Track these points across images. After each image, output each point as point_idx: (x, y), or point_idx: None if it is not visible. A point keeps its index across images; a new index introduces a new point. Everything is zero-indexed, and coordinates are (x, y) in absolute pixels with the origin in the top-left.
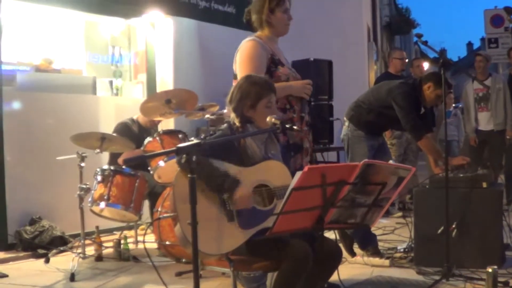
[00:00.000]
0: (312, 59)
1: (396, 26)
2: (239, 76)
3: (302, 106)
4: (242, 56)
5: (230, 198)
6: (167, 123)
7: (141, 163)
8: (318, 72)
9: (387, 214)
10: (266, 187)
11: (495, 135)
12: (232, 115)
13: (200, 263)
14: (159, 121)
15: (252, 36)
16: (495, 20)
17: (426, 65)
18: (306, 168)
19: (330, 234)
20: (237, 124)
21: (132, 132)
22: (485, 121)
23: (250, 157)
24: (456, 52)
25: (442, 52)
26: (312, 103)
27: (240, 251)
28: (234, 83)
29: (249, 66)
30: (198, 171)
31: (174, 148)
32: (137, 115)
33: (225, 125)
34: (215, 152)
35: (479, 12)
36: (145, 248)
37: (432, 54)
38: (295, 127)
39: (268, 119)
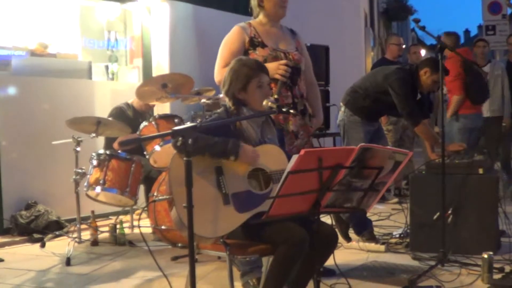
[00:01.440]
0: (308, 44)
1: (393, 13)
2: (217, 61)
3: (278, 87)
4: (222, 42)
5: (227, 178)
6: (163, 108)
7: (136, 148)
8: (315, 57)
9: (383, 200)
10: (262, 171)
11: (491, 121)
12: (226, 99)
13: (196, 247)
14: (153, 105)
15: (242, 22)
16: (493, 7)
17: (423, 52)
18: (302, 152)
19: (326, 219)
20: (231, 107)
21: (127, 117)
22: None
23: (246, 140)
24: None
25: (440, 37)
26: None
27: (236, 235)
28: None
29: (223, 51)
30: (198, 145)
31: (170, 131)
32: (132, 99)
33: (222, 108)
34: (211, 135)
35: None
36: (141, 233)
37: (429, 41)
38: (291, 111)
39: (264, 102)
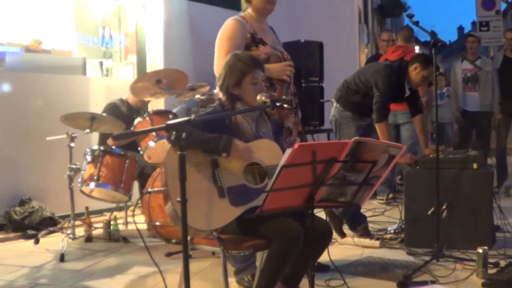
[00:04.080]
0: (302, 40)
1: (387, 9)
2: (215, 55)
3: (284, 88)
4: (221, 35)
5: (222, 172)
6: (157, 104)
7: (131, 144)
8: (309, 53)
9: (374, 196)
10: (257, 165)
11: (482, 116)
12: (221, 93)
13: (190, 242)
14: (148, 101)
15: (236, 15)
16: (486, 3)
17: (417, 48)
18: (296, 145)
19: (321, 214)
20: (226, 102)
21: (121, 113)
22: (472, 102)
23: (241, 135)
24: (447, 36)
25: (433, 33)
26: (303, 85)
27: (231, 230)
28: (216, 62)
29: (226, 45)
30: (191, 139)
31: (163, 125)
32: (126, 95)
33: (216, 102)
34: (206, 129)
35: None
36: (137, 228)
37: (423, 38)
38: (285, 106)
39: (258, 97)
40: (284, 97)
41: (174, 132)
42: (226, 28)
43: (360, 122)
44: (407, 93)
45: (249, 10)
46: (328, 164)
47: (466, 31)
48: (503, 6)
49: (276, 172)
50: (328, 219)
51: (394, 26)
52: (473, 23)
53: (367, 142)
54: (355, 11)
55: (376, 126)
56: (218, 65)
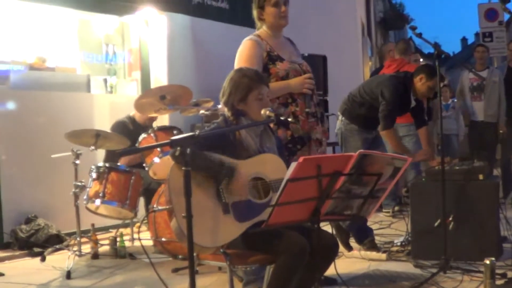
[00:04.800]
0: (306, 54)
1: (390, 22)
2: None
3: (305, 100)
4: (239, 56)
5: (226, 189)
6: (162, 120)
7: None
8: (313, 67)
9: (380, 209)
10: (261, 180)
11: (487, 127)
12: (225, 109)
13: (196, 257)
14: (156, 118)
15: (252, 34)
16: (489, 14)
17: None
18: (301, 159)
19: (328, 228)
20: (230, 117)
21: (128, 130)
22: (478, 111)
23: (245, 150)
24: (451, 48)
25: (437, 44)
26: None
27: (236, 245)
28: None
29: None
30: (193, 162)
31: (168, 141)
32: (133, 112)
33: (221, 118)
34: (210, 144)
35: (473, 6)
36: (142, 245)
37: (426, 50)
38: (289, 120)
39: (262, 112)
40: (307, 109)
41: (178, 148)
42: (244, 50)
43: (366, 135)
44: (413, 103)
45: (264, 27)
46: (333, 178)
47: (469, 42)
48: (506, 16)
49: (281, 186)
50: (334, 233)
51: (397, 39)
52: (477, 34)
53: (371, 154)
54: (358, 24)
55: (383, 133)
56: None
